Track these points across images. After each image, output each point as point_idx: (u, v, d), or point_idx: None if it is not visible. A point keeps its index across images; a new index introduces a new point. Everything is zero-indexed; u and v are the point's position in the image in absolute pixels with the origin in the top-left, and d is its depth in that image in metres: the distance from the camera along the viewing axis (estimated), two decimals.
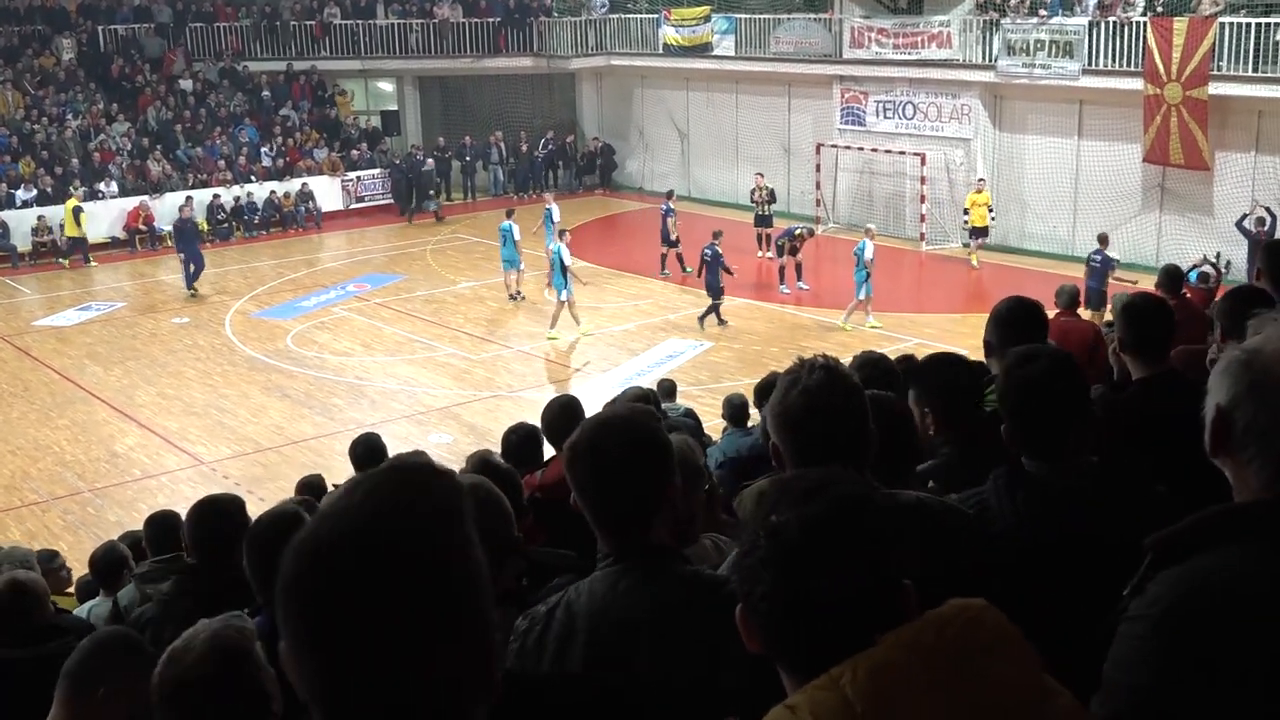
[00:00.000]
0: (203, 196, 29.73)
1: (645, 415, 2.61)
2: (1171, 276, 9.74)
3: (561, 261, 20.64)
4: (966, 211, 25.34)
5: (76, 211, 27.84)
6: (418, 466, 1.39)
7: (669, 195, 25.98)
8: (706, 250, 21.18)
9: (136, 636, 3.47)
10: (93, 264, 27.94)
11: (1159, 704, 1.90)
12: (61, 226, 28.09)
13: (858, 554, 1.69)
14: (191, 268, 24.77)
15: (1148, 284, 15.26)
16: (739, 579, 1.77)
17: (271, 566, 3.62)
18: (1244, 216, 21.67)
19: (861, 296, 20.52)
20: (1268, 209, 21.51)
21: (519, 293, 23.74)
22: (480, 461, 4.05)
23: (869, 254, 20.43)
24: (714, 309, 21.15)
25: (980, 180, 25.63)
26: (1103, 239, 20.83)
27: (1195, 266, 17.62)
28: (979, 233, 25.07)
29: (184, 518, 5.33)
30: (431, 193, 32.50)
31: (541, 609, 2.59)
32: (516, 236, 23.29)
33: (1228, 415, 1.97)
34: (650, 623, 2.42)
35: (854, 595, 1.66)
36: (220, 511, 4.50)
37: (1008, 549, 2.80)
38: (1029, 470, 2.97)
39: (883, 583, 1.69)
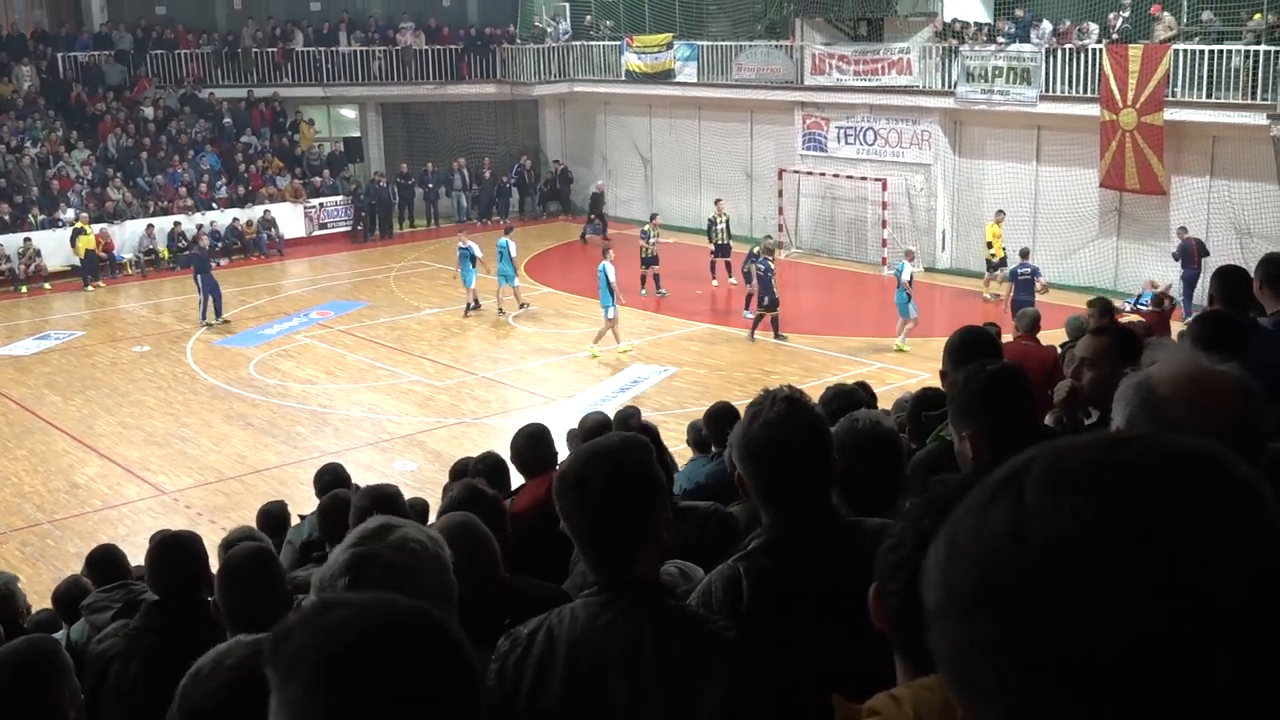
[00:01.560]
0: (163, 224, 29.54)
1: (636, 446, 2.62)
2: (1103, 308, 9.88)
3: (608, 279, 20.92)
4: (990, 245, 24.57)
5: (77, 234, 27.79)
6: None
7: (652, 217, 26.25)
8: (760, 265, 21.57)
9: (45, 645, 3.45)
10: (101, 285, 27.99)
11: None
12: (20, 254, 27.87)
13: None
14: (209, 298, 24.28)
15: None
16: (879, 566, 1.90)
17: (246, 600, 3.62)
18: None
19: (913, 316, 20.79)
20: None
21: (507, 308, 23.92)
22: (469, 493, 4.03)
23: (907, 275, 20.66)
24: (774, 321, 21.73)
25: (1000, 212, 24.69)
26: (1024, 252, 21.82)
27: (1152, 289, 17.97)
28: (999, 264, 24.29)
29: (145, 552, 5.31)
30: (593, 216, 32.44)
31: (523, 631, 2.59)
32: (513, 253, 23.66)
33: None
34: (628, 657, 2.43)
35: None
36: (180, 547, 4.51)
37: None
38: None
39: None
